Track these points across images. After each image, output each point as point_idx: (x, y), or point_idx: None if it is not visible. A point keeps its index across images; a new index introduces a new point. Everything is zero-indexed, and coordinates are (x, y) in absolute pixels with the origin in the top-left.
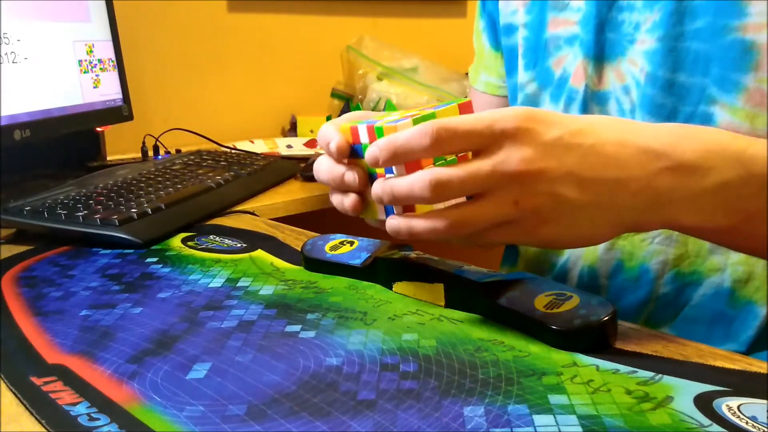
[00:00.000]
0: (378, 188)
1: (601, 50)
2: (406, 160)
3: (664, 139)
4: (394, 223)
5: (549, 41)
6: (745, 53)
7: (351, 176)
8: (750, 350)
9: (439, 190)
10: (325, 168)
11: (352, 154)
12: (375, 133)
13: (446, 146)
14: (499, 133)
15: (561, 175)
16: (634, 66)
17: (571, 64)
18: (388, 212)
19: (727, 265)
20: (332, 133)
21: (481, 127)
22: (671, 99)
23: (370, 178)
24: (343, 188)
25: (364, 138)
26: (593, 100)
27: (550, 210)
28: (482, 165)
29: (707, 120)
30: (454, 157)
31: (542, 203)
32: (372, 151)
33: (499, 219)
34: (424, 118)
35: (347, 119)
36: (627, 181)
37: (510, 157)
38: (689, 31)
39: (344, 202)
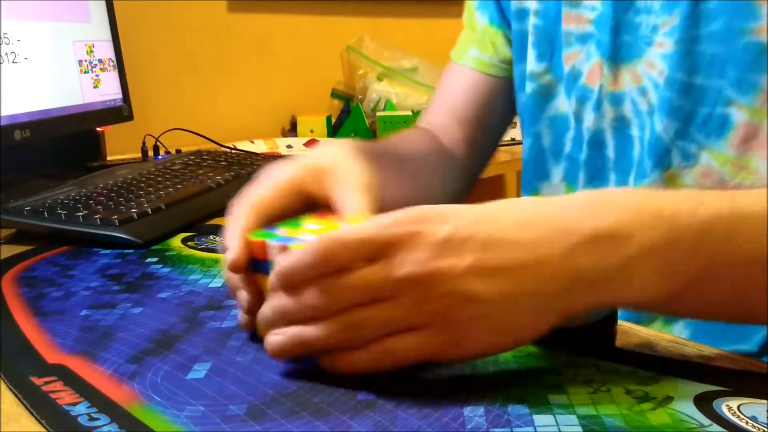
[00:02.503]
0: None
1: (617, 51)
2: (303, 281)
3: (571, 213)
4: (277, 339)
5: (562, 35)
6: (760, 55)
7: (243, 296)
8: (761, 351)
9: (332, 300)
10: (225, 274)
11: (254, 267)
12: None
13: (336, 259)
14: (389, 239)
15: (461, 271)
16: (651, 68)
17: (582, 62)
18: None
19: None
20: (233, 239)
21: (369, 235)
22: (689, 101)
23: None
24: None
25: (274, 256)
26: (608, 101)
27: (461, 312)
28: (374, 272)
29: (724, 121)
30: None
31: (448, 304)
32: (271, 282)
33: (401, 322)
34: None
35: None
36: (537, 265)
37: (403, 261)
38: (704, 34)
39: (238, 316)
